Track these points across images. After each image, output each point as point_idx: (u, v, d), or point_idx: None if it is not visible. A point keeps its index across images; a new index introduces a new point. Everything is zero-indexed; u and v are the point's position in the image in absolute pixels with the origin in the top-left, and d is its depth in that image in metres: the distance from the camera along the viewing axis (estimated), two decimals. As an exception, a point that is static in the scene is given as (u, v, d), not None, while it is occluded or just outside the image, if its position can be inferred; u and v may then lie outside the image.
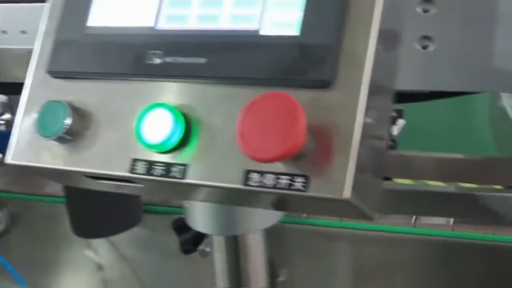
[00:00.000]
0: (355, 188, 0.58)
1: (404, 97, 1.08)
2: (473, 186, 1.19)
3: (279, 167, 0.60)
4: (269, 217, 0.80)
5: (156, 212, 1.53)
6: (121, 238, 1.50)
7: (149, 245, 1.57)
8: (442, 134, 3.70)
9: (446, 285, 1.08)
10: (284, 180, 0.59)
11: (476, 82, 0.95)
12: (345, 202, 0.57)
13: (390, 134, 1.27)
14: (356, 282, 1.14)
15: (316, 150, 0.59)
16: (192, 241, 1.02)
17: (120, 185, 0.69)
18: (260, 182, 0.60)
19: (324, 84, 0.60)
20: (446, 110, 3.91)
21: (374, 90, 0.60)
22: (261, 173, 0.60)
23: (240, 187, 0.60)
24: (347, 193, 0.57)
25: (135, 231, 1.46)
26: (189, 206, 0.88)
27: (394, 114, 1.21)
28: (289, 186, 0.59)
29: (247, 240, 0.88)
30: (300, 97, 0.59)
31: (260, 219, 0.80)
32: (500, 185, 1.25)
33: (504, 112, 3.67)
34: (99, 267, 1.66)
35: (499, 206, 1.07)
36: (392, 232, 1.10)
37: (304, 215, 1.09)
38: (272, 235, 1.15)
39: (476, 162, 1.23)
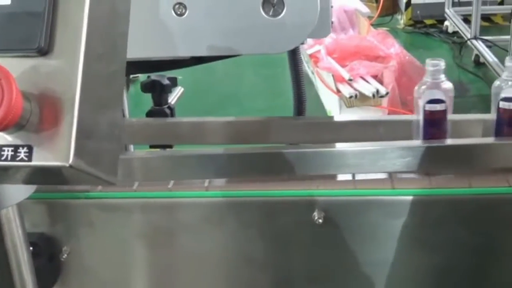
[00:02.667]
0: (80, 154, 0.58)
1: (166, 64, 1.11)
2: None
3: (5, 139, 0.59)
4: (17, 193, 0.78)
5: None
6: None
7: None
8: (257, 99, 3.88)
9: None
10: (7, 152, 0.58)
11: (229, 45, 1.00)
12: (70, 168, 0.57)
13: (166, 102, 1.29)
14: (144, 249, 1.15)
15: (40, 119, 0.58)
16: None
17: None
18: (-17, 155, 0.58)
19: (41, 52, 0.59)
20: (258, 76, 4.09)
21: (96, 56, 0.60)
22: (-16, 146, 0.58)
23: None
24: (70, 160, 0.57)
25: None
26: None
27: (167, 82, 1.23)
28: (13, 158, 0.58)
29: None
30: (17, 66, 0.58)
31: (7, 195, 0.77)
32: (281, 143, 1.33)
33: (306, 76, 3.91)
34: None
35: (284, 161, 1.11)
36: (186, 197, 1.12)
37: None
38: (51, 212, 1.13)
39: (256, 123, 1.29)
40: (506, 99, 1.06)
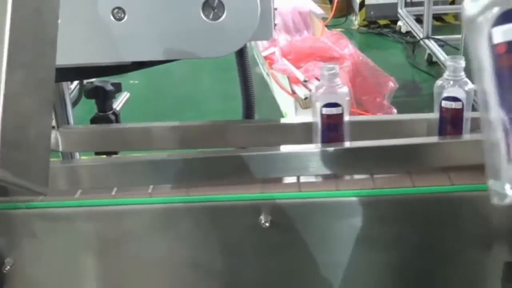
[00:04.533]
0: (6, 165, 0.56)
1: (108, 70, 1.09)
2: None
3: None
4: None
5: None
6: None
7: None
8: (213, 102, 3.87)
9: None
10: None
11: (169, 49, 0.99)
12: (-3, 180, 0.56)
13: (111, 108, 1.27)
14: (89, 258, 1.13)
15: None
16: None
17: None
18: None
19: (-39, 61, 0.57)
20: (214, 79, 4.08)
21: (19, 64, 0.59)
22: None
23: None
24: (-5, 172, 0.55)
25: None
26: None
27: (111, 88, 1.22)
28: None
29: None
30: None
31: None
32: (228, 147, 1.32)
33: (262, 78, 3.91)
34: None
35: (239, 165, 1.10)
36: (130, 204, 1.10)
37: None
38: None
39: (203, 128, 1.29)
40: (448, 99, 1.07)
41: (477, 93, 0.73)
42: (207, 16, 0.96)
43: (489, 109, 0.72)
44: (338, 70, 1.08)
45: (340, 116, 1.08)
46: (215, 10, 0.95)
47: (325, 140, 1.09)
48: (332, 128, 1.08)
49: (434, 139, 1.09)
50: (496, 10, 0.69)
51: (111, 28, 0.97)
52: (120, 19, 0.97)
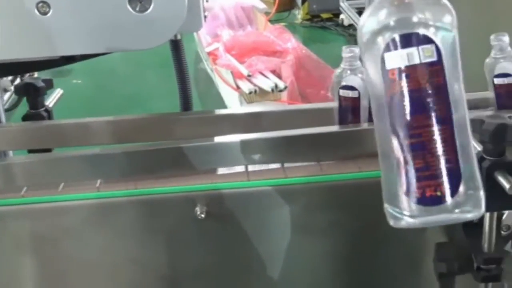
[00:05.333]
0: None
1: (36, 65, 1.07)
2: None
3: None
4: None
5: None
6: None
7: None
8: (158, 99, 3.84)
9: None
10: None
11: (97, 42, 0.98)
12: None
13: (43, 105, 1.25)
14: (33, 256, 1.11)
15: None
16: None
17: None
18: None
19: None
20: (159, 77, 4.05)
21: None
22: None
23: None
24: None
25: None
26: None
27: (42, 84, 1.20)
28: None
29: None
30: None
31: None
32: (165, 139, 1.31)
33: (206, 74, 3.90)
34: None
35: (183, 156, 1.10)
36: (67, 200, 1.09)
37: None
38: None
39: (139, 121, 1.28)
40: (346, 87, 1.08)
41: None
42: (133, 8, 0.95)
43: (383, 137, 0.73)
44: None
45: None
46: (142, 2, 0.95)
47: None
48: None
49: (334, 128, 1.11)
50: (388, 36, 0.71)
51: (36, 22, 0.96)
52: (45, 13, 0.95)
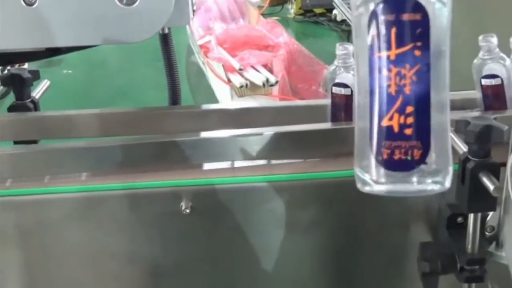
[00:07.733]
0: None
1: (21, 56, 1.06)
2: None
3: None
4: None
5: None
6: None
7: None
8: (149, 91, 3.83)
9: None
10: None
11: (83, 35, 0.97)
12: None
13: (29, 96, 1.24)
14: (17, 248, 1.11)
15: None
16: None
17: None
18: None
19: None
20: (150, 69, 4.04)
21: None
22: None
23: None
24: None
25: None
26: None
27: (28, 75, 1.19)
28: None
29: None
30: None
31: None
32: (152, 134, 1.31)
33: (198, 67, 3.89)
34: None
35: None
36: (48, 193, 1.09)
37: None
38: None
39: (126, 115, 1.27)
40: (339, 85, 1.08)
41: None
42: (121, 1, 0.94)
43: (360, 90, 0.72)
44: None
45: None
46: (129, -5, 0.94)
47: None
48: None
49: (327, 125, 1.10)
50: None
51: (22, 13, 0.95)
52: (31, 4, 0.94)
